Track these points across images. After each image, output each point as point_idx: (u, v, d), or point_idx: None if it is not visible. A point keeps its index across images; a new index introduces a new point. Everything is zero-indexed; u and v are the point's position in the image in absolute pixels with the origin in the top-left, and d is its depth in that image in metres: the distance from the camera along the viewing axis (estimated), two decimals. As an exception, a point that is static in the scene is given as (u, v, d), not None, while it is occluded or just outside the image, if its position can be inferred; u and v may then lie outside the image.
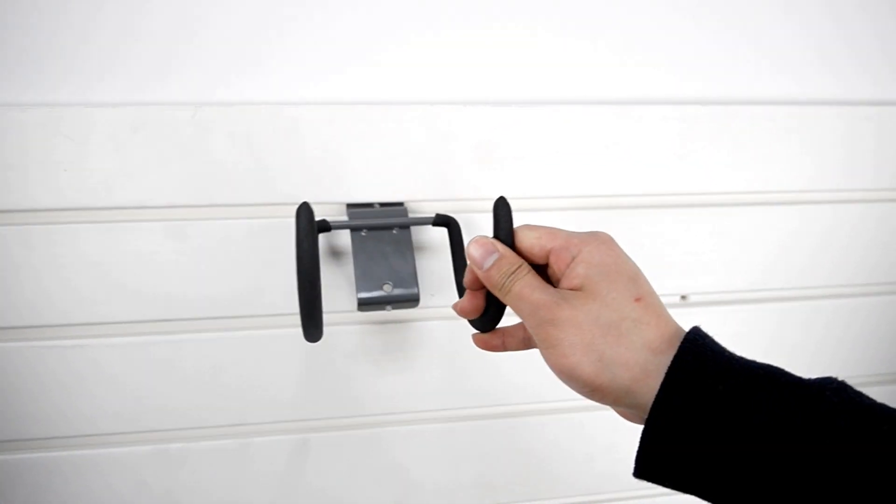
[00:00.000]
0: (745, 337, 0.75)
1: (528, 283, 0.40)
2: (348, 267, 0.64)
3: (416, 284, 0.62)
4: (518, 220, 0.66)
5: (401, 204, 0.64)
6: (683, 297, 0.72)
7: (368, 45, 0.62)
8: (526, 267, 0.42)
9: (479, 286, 0.44)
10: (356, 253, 0.61)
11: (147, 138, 0.58)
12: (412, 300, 0.61)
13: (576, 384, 0.39)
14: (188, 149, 0.59)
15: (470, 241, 0.43)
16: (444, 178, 0.64)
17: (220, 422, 0.65)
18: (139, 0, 0.57)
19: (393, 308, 0.62)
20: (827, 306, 0.76)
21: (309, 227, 0.45)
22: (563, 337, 0.38)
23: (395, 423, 0.69)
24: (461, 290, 0.57)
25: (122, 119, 0.58)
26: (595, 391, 0.38)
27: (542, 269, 0.43)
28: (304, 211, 0.46)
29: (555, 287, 0.41)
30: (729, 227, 0.71)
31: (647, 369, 0.37)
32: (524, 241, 0.43)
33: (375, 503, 0.71)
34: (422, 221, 0.63)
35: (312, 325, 0.48)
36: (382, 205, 0.64)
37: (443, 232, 0.63)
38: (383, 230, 0.62)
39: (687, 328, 0.39)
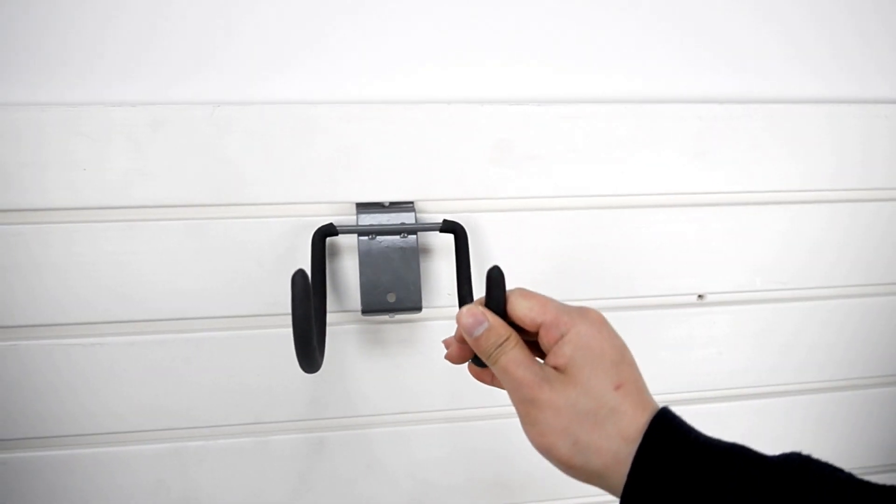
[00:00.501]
0: (762, 336, 0.74)
1: (514, 358, 0.42)
2: (355, 266, 0.64)
3: (420, 295, 0.64)
4: (534, 220, 0.66)
5: (410, 203, 0.65)
6: (700, 297, 0.72)
7: (384, 45, 0.62)
8: (514, 339, 0.43)
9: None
10: (362, 259, 0.63)
11: (166, 137, 0.59)
12: (415, 309, 0.64)
13: (551, 461, 0.41)
14: (206, 148, 0.59)
15: (462, 309, 0.44)
16: (455, 177, 0.64)
17: (237, 420, 0.65)
18: (159, 1, 0.58)
19: (396, 314, 0.64)
20: (847, 306, 0.76)
21: (303, 294, 0.45)
22: (542, 418, 0.40)
23: (411, 422, 0.69)
24: (462, 301, 0.59)
25: (140, 118, 0.58)
26: (569, 470, 0.41)
27: (532, 335, 0.44)
28: (300, 279, 0.45)
29: (543, 355, 0.43)
30: (746, 226, 0.71)
31: (618, 457, 0.39)
32: (516, 310, 0.43)
33: (391, 502, 0.71)
34: (429, 227, 0.63)
35: (308, 364, 0.49)
36: (392, 204, 0.64)
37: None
38: (390, 235, 0.63)
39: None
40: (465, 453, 0.71)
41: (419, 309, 0.64)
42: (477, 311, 0.43)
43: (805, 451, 0.39)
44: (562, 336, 0.41)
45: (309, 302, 0.45)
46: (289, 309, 0.62)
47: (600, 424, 0.40)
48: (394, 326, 0.67)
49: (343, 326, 0.66)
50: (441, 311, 0.67)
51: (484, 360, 0.44)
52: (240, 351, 0.64)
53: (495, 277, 0.44)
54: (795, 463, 0.37)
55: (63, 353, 0.61)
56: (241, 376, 0.64)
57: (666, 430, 0.39)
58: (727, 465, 0.37)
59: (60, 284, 0.60)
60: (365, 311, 0.63)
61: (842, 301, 0.76)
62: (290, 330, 0.63)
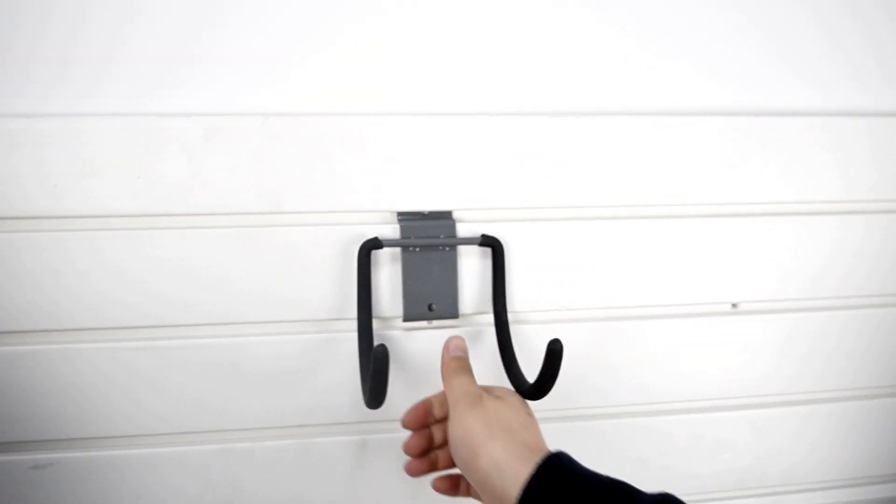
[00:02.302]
0: (794, 345, 0.75)
1: (469, 377, 0.56)
2: (392, 273, 0.66)
3: (457, 304, 0.68)
4: (571, 230, 0.68)
5: (449, 212, 0.66)
6: (734, 306, 0.73)
7: (427, 60, 0.64)
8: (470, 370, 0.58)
9: (422, 425, 0.59)
10: (405, 271, 0.66)
11: (219, 146, 0.60)
12: (453, 317, 0.68)
13: (464, 449, 0.50)
14: (258, 157, 0.61)
15: (453, 336, 0.59)
16: (493, 187, 0.66)
17: (282, 423, 0.67)
18: (213, 16, 0.60)
19: (434, 320, 0.68)
20: (880, 315, 0.77)
21: (382, 368, 0.52)
22: (471, 413, 0.52)
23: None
24: (497, 317, 0.66)
25: (193, 128, 0.60)
26: (476, 458, 0.49)
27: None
28: (381, 356, 0.51)
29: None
30: (780, 236, 0.72)
31: (520, 455, 0.48)
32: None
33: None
34: (468, 241, 0.66)
35: (376, 405, 0.55)
36: (431, 213, 0.66)
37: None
38: (431, 249, 0.66)
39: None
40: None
41: (456, 317, 0.67)
42: (463, 344, 0.59)
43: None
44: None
45: (386, 377, 0.52)
46: (332, 314, 0.65)
47: (513, 431, 0.50)
48: (432, 333, 0.68)
49: (383, 332, 0.67)
50: (476, 319, 0.69)
51: (443, 371, 0.57)
52: (285, 355, 0.65)
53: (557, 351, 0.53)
54: (667, 499, 0.45)
55: (112, 356, 0.63)
56: (286, 380, 0.66)
57: (559, 459, 0.48)
58: (606, 495, 0.45)
59: (112, 289, 0.62)
60: (406, 319, 0.66)
61: (875, 311, 0.77)
62: (334, 335, 0.65)
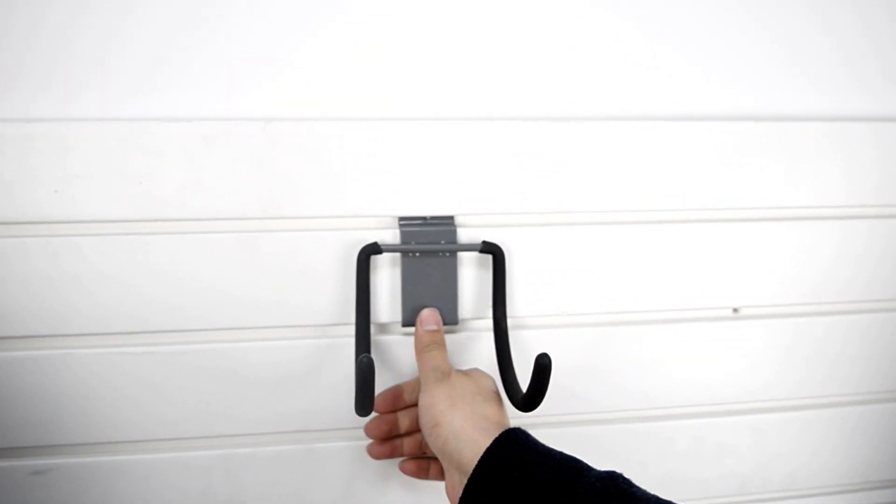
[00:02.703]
0: (796, 350, 0.75)
1: (441, 353, 0.61)
2: (391, 277, 0.66)
3: (457, 310, 0.67)
4: (571, 235, 0.68)
5: (451, 218, 0.66)
6: (735, 310, 0.73)
7: (429, 64, 0.64)
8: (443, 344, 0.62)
9: (390, 409, 0.63)
10: (404, 276, 0.66)
11: (220, 151, 0.61)
12: (452, 323, 0.67)
13: (427, 416, 0.55)
14: (259, 161, 0.61)
15: (427, 309, 0.64)
16: (494, 192, 0.66)
17: (283, 427, 0.67)
18: (211, 21, 0.60)
19: None
20: (881, 320, 0.77)
21: (367, 378, 0.53)
22: (437, 387, 0.57)
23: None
24: (496, 323, 0.66)
25: (195, 132, 0.60)
26: (437, 426, 0.53)
27: None
28: (365, 366, 0.52)
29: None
30: (781, 241, 0.72)
31: (478, 426, 0.52)
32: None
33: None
34: (469, 248, 0.66)
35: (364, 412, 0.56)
36: (433, 218, 0.66)
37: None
38: (431, 255, 0.66)
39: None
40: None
41: (455, 322, 0.67)
42: (438, 316, 0.64)
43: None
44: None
45: (372, 386, 0.53)
46: (333, 320, 0.65)
47: (476, 403, 0.55)
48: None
49: (381, 337, 0.67)
50: (475, 324, 0.69)
51: (417, 345, 0.62)
52: (286, 360, 0.65)
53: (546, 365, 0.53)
54: (614, 477, 0.47)
55: (114, 362, 0.63)
56: (287, 385, 0.66)
57: (513, 437, 0.50)
58: (558, 468, 0.47)
59: (113, 294, 0.62)
60: (405, 325, 0.66)
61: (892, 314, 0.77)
62: (336, 340, 0.66)
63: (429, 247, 0.65)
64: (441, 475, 0.62)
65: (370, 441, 0.63)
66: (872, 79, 0.72)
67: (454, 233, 0.65)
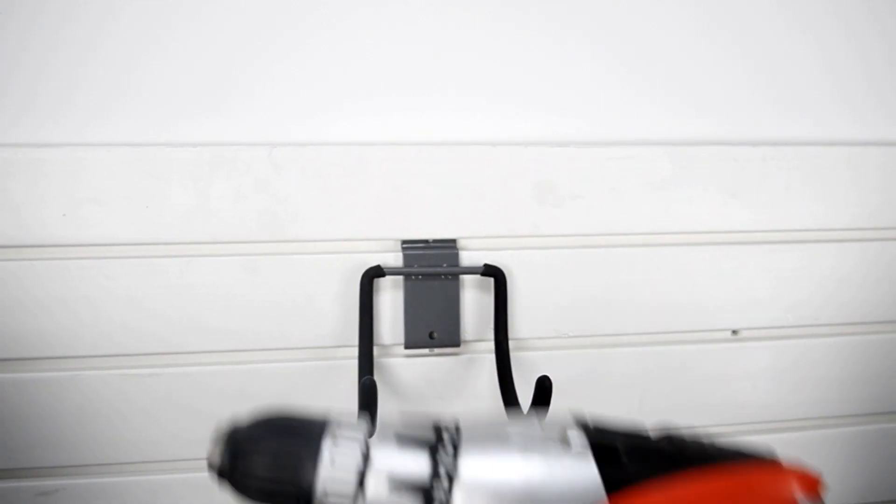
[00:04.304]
0: (795, 371, 0.76)
1: None
2: (394, 299, 0.67)
3: (459, 332, 0.68)
4: (574, 258, 0.68)
5: (453, 241, 0.67)
6: (735, 332, 0.74)
7: (433, 88, 0.65)
8: None
9: None
10: (407, 299, 0.66)
11: (224, 175, 0.62)
12: (454, 345, 0.68)
13: None
14: (263, 185, 0.62)
15: None
16: (497, 216, 0.67)
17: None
18: (218, 49, 0.61)
19: (435, 348, 0.68)
20: (880, 341, 0.77)
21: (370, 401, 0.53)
22: None
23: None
24: (498, 346, 0.65)
25: (200, 158, 0.61)
26: None
27: None
28: (368, 386, 0.53)
29: None
30: (781, 263, 0.73)
31: None
32: None
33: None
34: (471, 271, 0.67)
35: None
36: (435, 241, 0.67)
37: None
38: (433, 277, 0.67)
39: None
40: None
41: (458, 345, 0.68)
42: None
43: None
44: None
45: (375, 408, 0.53)
46: (335, 342, 0.66)
47: None
48: (433, 360, 0.69)
49: (384, 360, 0.68)
50: (477, 346, 0.69)
51: None
52: (291, 381, 0.66)
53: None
54: None
55: (119, 384, 0.64)
56: (292, 404, 0.66)
57: None
58: None
59: (120, 316, 0.62)
60: (407, 347, 0.67)
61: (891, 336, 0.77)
62: (337, 362, 0.66)
63: (431, 270, 0.66)
64: None
65: None
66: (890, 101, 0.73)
67: (456, 256, 0.66)
